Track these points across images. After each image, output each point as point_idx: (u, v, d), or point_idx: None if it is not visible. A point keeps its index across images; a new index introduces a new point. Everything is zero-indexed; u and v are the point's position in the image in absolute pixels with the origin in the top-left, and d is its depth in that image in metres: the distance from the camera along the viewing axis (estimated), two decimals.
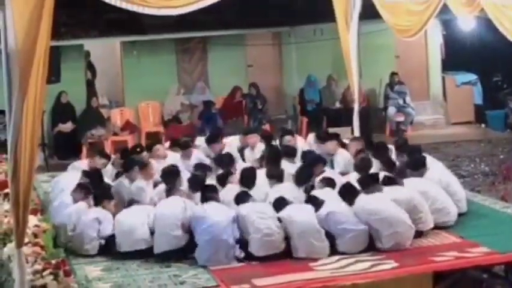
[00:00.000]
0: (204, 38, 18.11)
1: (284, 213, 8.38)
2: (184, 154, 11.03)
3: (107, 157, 10.97)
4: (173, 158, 10.81)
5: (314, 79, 18.19)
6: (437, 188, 9.33)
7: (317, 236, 8.23)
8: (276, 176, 9.52)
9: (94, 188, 9.23)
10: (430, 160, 10.21)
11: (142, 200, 9.24)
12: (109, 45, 18.42)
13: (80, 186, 9.18)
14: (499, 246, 8.15)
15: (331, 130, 13.67)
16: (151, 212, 8.68)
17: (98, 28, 16.66)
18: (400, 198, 8.71)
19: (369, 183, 8.93)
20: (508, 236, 8.49)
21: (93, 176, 9.79)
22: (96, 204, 8.95)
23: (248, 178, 9.39)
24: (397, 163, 10.13)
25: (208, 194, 8.72)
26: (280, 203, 8.60)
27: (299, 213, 8.39)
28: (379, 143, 11.34)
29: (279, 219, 8.33)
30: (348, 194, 8.77)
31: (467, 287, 7.90)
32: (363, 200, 8.62)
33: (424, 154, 10.31)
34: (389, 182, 9.15)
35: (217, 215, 8.32)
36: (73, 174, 10.22)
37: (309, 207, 8.56)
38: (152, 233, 8.48)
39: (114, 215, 8.84)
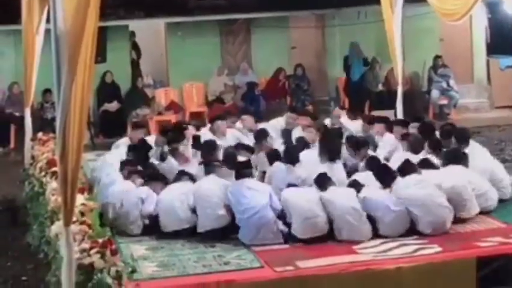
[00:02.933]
0: (247, 20, 18.09)
1: (326, 195, 8.34)
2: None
3: (142, 127, 11.05)
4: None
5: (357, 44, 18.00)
6: (477, 174, 9.22)
7: (358, 218, 8.19)
8: (328, 155, 9.49)
9: (140, 163, 9.29)
10: (474, 146, 10.10)
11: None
12: (154, 26, 18.43)
13: (126, 163, 9.23)
14: None
15: (374, 113, 13.60)
16: (191, 190, 8.69)
17: (143, 9, 16.70)
18: (442, 183, 8.63)
19: (409, 167, 8.84)
20: None
21: (138, 150, 9.87)
22: (144, 183, 8.98)
23: (292, 155, 9.38)
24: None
25: (243, 171, 8.71)
26: (322, 180, 8.56)
27: (340, 195, 8.37)
28: (427, 123, 11.25)
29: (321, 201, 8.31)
30: (385, 177, 8.72)
31: (510, 273, 7.78)
32: (401, 183, 8.55)
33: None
34: (427, 166, 9.07)
35: (254, 192, 8.34)
36: (118, 152, 10.29)
37: (351, 190, 8.52)
38: (193, 211, 8.50)
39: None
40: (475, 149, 10.04)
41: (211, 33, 18.02)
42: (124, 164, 9.44)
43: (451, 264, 7.50)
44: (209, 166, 9.04)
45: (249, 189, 8.38)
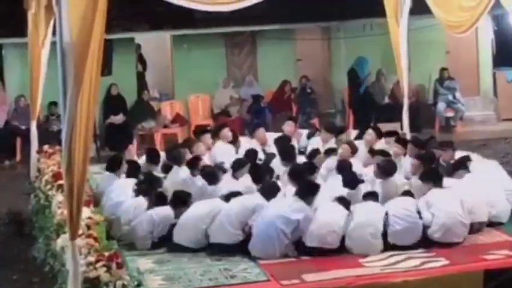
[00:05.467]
0: (253, 32, 18.10)
1: (355, 213, 8.38)
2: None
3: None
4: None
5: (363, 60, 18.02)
6: (486, 185, 9.21)
7: (374, 234, 8.19)
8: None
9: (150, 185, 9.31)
10: (479, 159, 10.12)
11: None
12: (160, 38, 18.46)
13: (140, 183, 9.26)
14: None
15: (380, 125, 13.56)
16: (212, 210, 8.61)
17: (149, 22, 16.72)
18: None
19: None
20: None
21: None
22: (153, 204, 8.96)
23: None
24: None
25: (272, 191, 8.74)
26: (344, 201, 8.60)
27: (367, 213, 8.39)
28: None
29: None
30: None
31: None
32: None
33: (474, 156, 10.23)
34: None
35: (271, 206, 8.35)
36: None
37: (374, 205, 8.54)
38: (206, 236, 8.48)
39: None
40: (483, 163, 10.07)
41: (216, 46, 18.04)
42: (139, 183, 9.41)
43: (458, 277, 7.48)
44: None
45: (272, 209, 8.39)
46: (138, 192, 9.11)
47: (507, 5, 11.11)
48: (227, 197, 8.83)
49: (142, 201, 8.95)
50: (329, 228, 8.16)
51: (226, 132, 11.52)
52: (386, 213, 8.37)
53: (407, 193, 8.84)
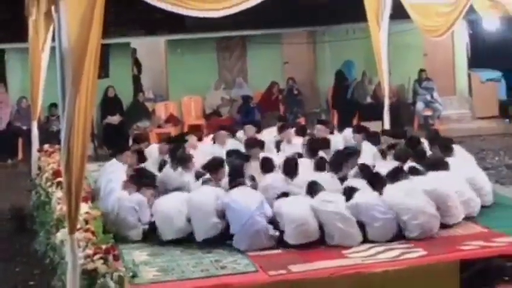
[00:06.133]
0: (243, 37, 18.09)
1: (315, 203, 8.32)
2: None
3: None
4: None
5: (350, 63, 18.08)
6: (461, 181, 9.21)
7: (348, 224, 8.17)
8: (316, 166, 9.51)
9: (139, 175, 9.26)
10: (461, 153, 10.13)
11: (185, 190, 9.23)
12: (154, 43, 18.46)
13: (130, 177, 9.21)
14: None
15: (363, 124, 13.60)
16: (186, 200, 8.64)
17: (144, 27, 16.71)
18: (428, 189, 8.62)
19: (397, 174, 8.83)
20: None
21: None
22: (137, 190, 8.93)
23: (290, 167, 9.37)
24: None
25: (237, 179, 8.70)
26: (312, 187, 8.55)
27: (330, 202, 8.33)
28: (413, 136, 11.29)
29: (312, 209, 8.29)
30: (377, 183, 8.70)
31: (491, 275, 7.77)
32: (391, 189, 8.54)
33: (455, 146, 10.21)
34: (415, 172, 9.08)
35: (246, 199, 8.31)
36: (118, 163, 10.23)
37: (340, 197, 8.50)
38: (189, 220, 8.46)
39: (149, 202, 8.84)
40: (460, 157, 10.05)
41: (208, 50, 18.02)
42: (129, 178, 9.36)
43: (435, 267, 7.49)
44: (205, 178, 9.01)
45: (241, 197, 8.35)
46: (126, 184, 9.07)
47: (480, 10, 11.22)
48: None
49: (124, 192, 8.90)
50: (303, 222, 8.15)
51: (223, 134, 11.46)
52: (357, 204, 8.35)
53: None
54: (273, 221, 8.31)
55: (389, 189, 8.58)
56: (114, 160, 10.07)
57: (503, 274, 7.97)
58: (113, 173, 9.57)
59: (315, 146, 10.38)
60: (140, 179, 9.19)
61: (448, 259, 7.65)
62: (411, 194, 8.47)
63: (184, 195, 8.83)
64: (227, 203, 8.35)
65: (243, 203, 8.27)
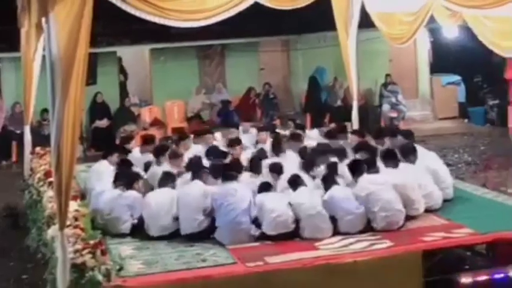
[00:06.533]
0: (222, 45, 18.11)
1: (293, 199, 8.32)
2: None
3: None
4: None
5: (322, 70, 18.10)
6: (424, 175, 9.24)
7: (322, 219, 8.17)
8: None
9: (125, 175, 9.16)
10: (422, 150, 10.15)
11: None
12: (139, 51, 18.43)
13: (116, 176, 9.12)
14: (481, 228, 8.07)
15: (332, 125, 13.63)
16: (174, 198, 8.53)
17: (129, 37, 16.67)
18: (395, 182, 8.63)
19: (359, 168, 8.82)
20: (488, 219, 8.41)
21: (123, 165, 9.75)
22: (128, 188, 8.82)
23: (257, 166, 9.33)
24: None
25: (228, 174, 8.62)
26: (294, 181, 8.53)
27: (306, 198, 8.33)
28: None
29: (290, 204, 8.29)
30: (357, 170, 8.72)
31: (452, 264, 7.81)
32: (364, 181, 8.54)
33: (415, 144, 10.22)
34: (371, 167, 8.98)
35: (236, 199, 8.24)
36: (106, 164, 10.15)
37: (316, 193, 8.50)
38: (176, 218, 8.40)
39: (144, 195, 8.71)
40: (422, 153, 10.08)
41: (190, 57, 18.04)
42: (115, 176, 9.25)
43: (400, 257, 7.50)
44: (196, 173, 8.89)
45: (232, 195, 8.26)
46: (116, 184, 8.99)
47: (440, 20, 11.28)
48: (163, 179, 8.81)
49: (117, 191, 8.76)
50: (280, 214, 8.12)
51: (209, 137, 11.39)
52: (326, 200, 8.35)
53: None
54: (256, 220, 8.27)
55: (363, 180, 8.58)
56: (103, 161, 9.99)
57: (463, 263, 8.02)
58: (103, 174, 9.50)
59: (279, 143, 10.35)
60: (127, 173, 9.09)
61: (412, 250, 7.64)
62: (383, 190, 8.47)
63: (172, 192, 8.66)
64: (216, 200, 8.30)
65: (233, 200, 8.21)
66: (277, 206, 8.19)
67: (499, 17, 9.95)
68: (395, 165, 9.09)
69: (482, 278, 7.51)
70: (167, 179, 8.81)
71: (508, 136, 16.24)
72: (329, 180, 8.58)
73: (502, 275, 7.39)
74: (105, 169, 9.67)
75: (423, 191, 8.90)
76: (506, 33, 10.13)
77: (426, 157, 9.88)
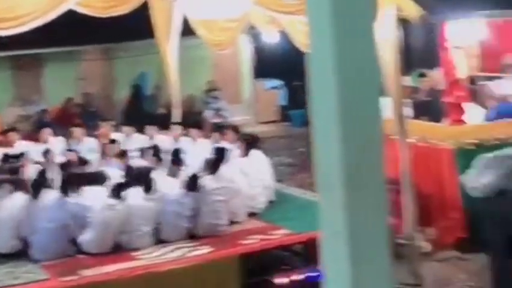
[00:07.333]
0: (37, 54, 17.60)
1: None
2: None
3: None
4: None
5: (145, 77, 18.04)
6: (252, 178, 9.43)
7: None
8: None
9: None
10: (256, 154, 10.33)
11: None
12: None
13: None
14: (297, 228, 8.39)
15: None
16: None
17: None
18: (222, 185, 8.71)
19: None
20: (304, 219, 8.70)
21: None
22: None
23: None
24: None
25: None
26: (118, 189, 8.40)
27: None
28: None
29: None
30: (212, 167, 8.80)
31: (270, 265, 8.05)
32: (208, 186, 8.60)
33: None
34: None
35: (56, 214, 8.03)
36: None
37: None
38: None
39: None
40: (256, 157, 10.26)
41: (2, 68, 17.42)
42: None
43: (216, 262, 7.64)
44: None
45: (54, 213, 8.03)
46: None
47: (259, 25, 11.59)
48: None
49: None
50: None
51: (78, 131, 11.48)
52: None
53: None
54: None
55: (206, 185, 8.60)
56: None
57: (282, 263, 8.28)
58: None
59: None
60: None
61: (229, 254, 7.82)
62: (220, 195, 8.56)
63: None
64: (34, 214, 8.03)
65: (56, 220, 7.97)
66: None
67: None
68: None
69: (297, 277, 7.80)
70: None
71: None
72: None
73: (316, 274, 7.66)
74: None
75: (248, 193, 9.08)
76: None
77: (258, 161, 10.04)
